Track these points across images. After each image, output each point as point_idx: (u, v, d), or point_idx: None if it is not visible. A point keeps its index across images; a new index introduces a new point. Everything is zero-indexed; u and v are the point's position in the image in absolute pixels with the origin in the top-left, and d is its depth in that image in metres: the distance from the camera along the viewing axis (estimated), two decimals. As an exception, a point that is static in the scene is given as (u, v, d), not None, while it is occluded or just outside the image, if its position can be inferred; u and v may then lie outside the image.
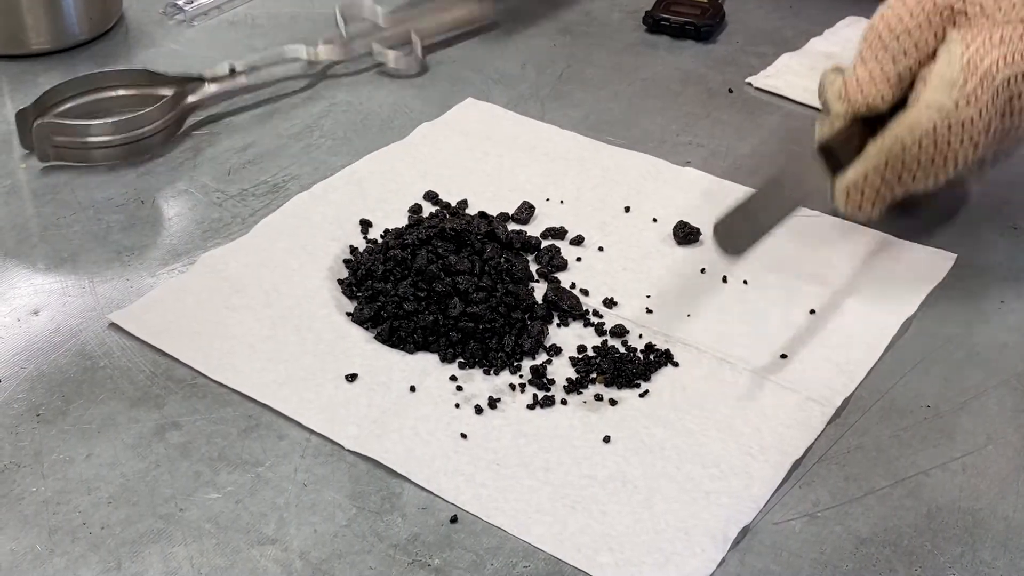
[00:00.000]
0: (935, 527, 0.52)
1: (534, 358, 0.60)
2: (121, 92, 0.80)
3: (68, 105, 0.78)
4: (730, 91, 0.84)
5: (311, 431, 0.56)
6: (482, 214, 0.69)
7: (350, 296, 0.65)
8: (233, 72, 0.81)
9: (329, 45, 0.84)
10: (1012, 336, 0.63)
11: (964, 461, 0.56)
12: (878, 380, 0.60)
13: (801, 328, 0.63)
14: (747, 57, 0.88)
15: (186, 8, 0.93)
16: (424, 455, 0.55)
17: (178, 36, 0.91)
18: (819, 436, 0.56)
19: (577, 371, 0.60)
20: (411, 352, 0.61)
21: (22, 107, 0.75)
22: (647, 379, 0.59)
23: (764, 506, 0.53)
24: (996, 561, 0.51)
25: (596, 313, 0.63)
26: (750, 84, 0.85)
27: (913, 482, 0.55)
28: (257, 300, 0.64)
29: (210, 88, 0.80)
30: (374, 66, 0.86)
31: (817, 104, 0.81)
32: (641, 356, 0.60)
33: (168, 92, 0.78)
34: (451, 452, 0.55)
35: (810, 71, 0.86)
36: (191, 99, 0.79)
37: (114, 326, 0.62)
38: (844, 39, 0.90)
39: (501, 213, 0.70)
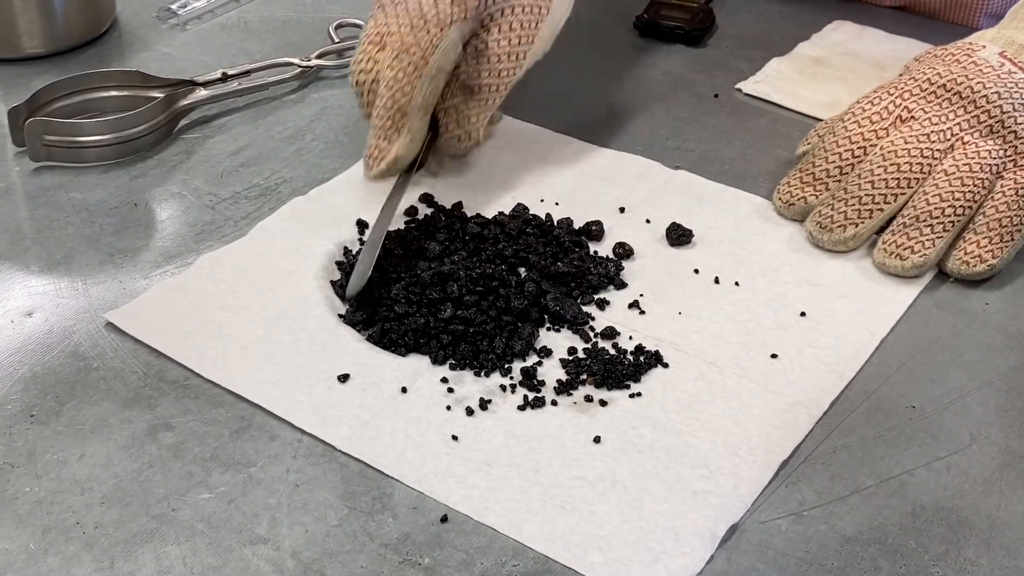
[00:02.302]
0: (919, 525, 0.53)
1: (524, 360, 0.61)
2: (114, 92, 0.80)
3: (60, 104, 0.78)
4: (716, 96, 0.85)
5: (303, 432, 0.57)
6: (478, 215, 0.70)
7: (343, 298, 0.65)
8: (225, 77, 0.82)
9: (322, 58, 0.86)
10: (997, 338, 0.64)
11: (948, 461, 0.56)
12: (864, 381, 0.60)
13: (791, 330, 0.63)
14: (736, 61, 0.89)
15: (179, 12, 0.93)
16: (415, 457, 0.55)
17: (171, 40, 0.91)
18: (806, 436, 0.57)
19: (567, 372, 0.60)
20: (403, 354, 0.61)
21: (15, 104, 0.75)
22: (637, 380, 0.60)
23: (751, 505, 0.54)
24: (980, 559, 0.52)
25: (588, 315, 0.64)
26: (739, 90, 0.85)
27: (898, 481, 0.55)
28: (251, 301, 0.64)
29: (202, 92, 0.80)
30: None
31: (803, 109, 0.82)
32: (631, 358, 0.61)
33: (160, 94, 0.78)
34: (442, 454, 0.56)
35: (798, 76, 0.86)
36: (183, 102, 0.79)
37: (108, 327, 0.63)
38: (831, 43, 0.90)
39: (497, 214, 0.71)
